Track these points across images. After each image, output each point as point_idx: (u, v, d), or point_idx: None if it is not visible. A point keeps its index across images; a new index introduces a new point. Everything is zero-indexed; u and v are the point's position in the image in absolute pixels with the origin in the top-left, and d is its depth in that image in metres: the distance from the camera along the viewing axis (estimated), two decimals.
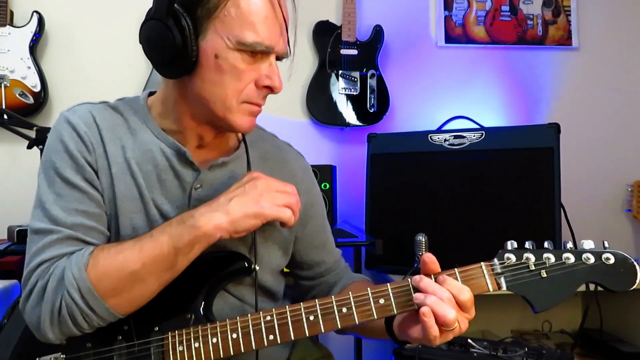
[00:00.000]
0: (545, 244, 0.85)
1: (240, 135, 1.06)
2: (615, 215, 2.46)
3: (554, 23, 2.50)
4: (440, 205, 1.92)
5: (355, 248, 1.91)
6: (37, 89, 2.12)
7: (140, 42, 0.93)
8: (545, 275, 0.83)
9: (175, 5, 0.87)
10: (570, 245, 0.85)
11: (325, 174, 1.98)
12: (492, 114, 2.44)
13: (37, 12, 2.15)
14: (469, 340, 1.49)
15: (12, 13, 2.16)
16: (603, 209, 2.44)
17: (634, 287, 0.82)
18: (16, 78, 2.10)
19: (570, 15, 2.50)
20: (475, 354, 1.44)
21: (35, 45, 2.14)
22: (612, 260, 0.83)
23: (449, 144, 1.98)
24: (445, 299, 0.81)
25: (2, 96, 2.08)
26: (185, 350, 0.90)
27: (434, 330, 0.81)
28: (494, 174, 1.89)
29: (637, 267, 0.82)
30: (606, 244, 0.85)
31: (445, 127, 2.35)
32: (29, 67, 2.12)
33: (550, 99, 2.50)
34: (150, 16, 0.90)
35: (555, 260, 0.84)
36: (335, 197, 2.01)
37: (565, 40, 2.50)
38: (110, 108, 1.02)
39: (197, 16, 0.87)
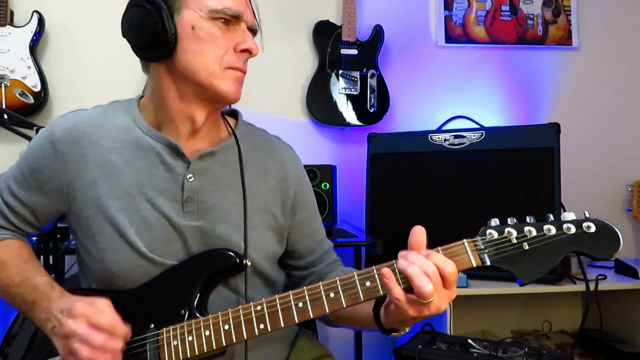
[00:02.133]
0: (527, 219, 0.85)
1: (229, 128, 1.09)
2: (615, 215, 2.46)
3: (554, 23, 2.50)
4: (441, 205, 1.93)
5: (355, 248, 1.91)
6: (37, 88, 2.12)
7: (124, 35, 1.00)
8: (527, 247, 0.83)
9: None
10: (552, 217, 0.85)
11: (325, 174, 1.98)
12: (492, 114, 2.44)
13: (37, 11, 2.15)
14: (469, 340, 1.49)
15: (12, 13, 2.16)
16: (603, 209, 2.44)
17: (616, 253, 0.83)
18: (16, 78, 2.10)
19: (570, 15, 2.50)
20: (475, 354, 1.44)
21: (36, 45, 2.14)
22: (593, 229, 0.83)
23: (449, 144, 1.98)
24: (431, 272, 0.81)
25: (2, 96, 2.08)
26: (179, 344, 0.92)
27: (396, 291, 0.82)
28: (494, 174, 1.89)
29: (619, 233, 0.83)
30: (587, 214, 0.84)
31: (445, 127, 2.35)
32: (29, 67, 2.12)
33: (550, 99, 2.50)
34: (128, 5, 0.98)
35: (537, 233, 0.83)
36: (335, 197, 2.01)
37: (565, 40, 2.50)
38: (99, 112, 1.07)
39: None
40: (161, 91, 1.01)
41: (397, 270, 0.85)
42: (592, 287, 1.78)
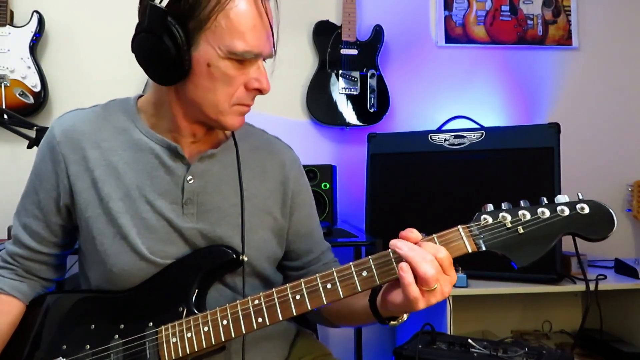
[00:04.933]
0: (521, 202, 0.85)
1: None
2: (615, 215, 2.46)
3: (554, 23, 2.50)
4: (440, 205, 1.93)
5: (355, 248, 1.91)
6: (37, 88, 2.12)
7: (133, 52, 0.96)
8: (522, 231, 0.83)
9: (169, 18, 0.89)
10: (545, 200, 0.85)
11: (325, 174, 1.98)
12: (492, 114, 2.44)
13: (37, 12, 2.15)
14: (469, 340, 1.49)
15: (12, 13, 2.16)
16: None
17: (611, 233, 0.82)
18: (16, 78, 2.10)
19: (570, 15, 2.50)
20: (475, 354, 1.44)
21: (35, 45, 2.14)
22: (586, 210, 0.83)
23: (449, 144, 1.98)
24: (428, 260, 0.81)
25: (2, 96, 2.08)
26: (178, 341, 0.92)
27: (413, 289, 0.81)
28: (494, 174, 1.89)
29: (613, 213, 0.82)
30: (580, 195, 0.84)
31: (445, 127, 2.35)
32: (29, 67, 2.12)
33: (550, 99, 2.50)
34: (143, 28, 0.92)
35: (531, 216, 0.83)
36: (335, 197, 2.01)
37: (565, 40, 2.50)
38: (98, 112, 1.06)
39: (188, 28, 0.90)
40: (168, 106, 1.00)
41: (392, 259, 0.85)
42: (592, 287, 1.78)
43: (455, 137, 1.97)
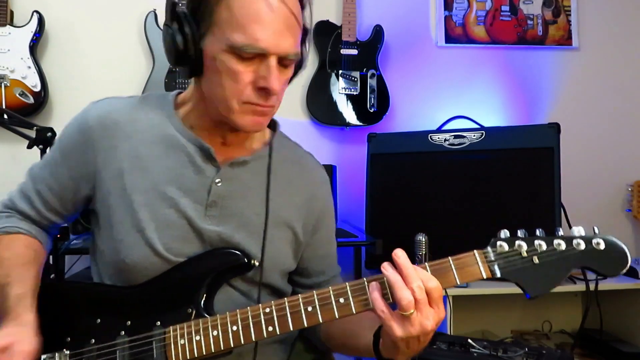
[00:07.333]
0: (537, 232, 0.86)
1: (267, 139, 1.08)
2: (615, 215, 2.46)
3: (554, 23, 2.50)
4: (440, 205, 1.93)
5: (355, 248, 1.91)
6: (37, 88, 2.12)
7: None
8: (537, 261, 0.84)
9: (178, 10, 0.91)
10: (561, 232, 0.86)
11: None
12: (492, 114, 2.44)
13: (37, 11, 2.15)
14: (469, 340, 1.49)
15: (12, 13, 2.16)
16: (603, 209, 2.44)
17: (624, 272, 0.84)
18: (16, 78, 2.10)
19: (570, 15, 2.50)
20: (475, 354, 1.44)
21: (36, 45, 2.15)
22: (602, 246, 0.83)
23: (449, 144, 1.98)
24: (415, 286, 0.80)
25: (2, 96, 2.08)
26: (186, 343, 0.91)
27: (378, 304, 0.81)
28: (494, 174, 1.89)
29: (627, 251, 0.83)
30: (596, 230, 0.85)
31: (445, 127, 2.35)
32: (29, 67, 2.12)
33: (550, 99, 2.50)
34: (165, 23, 0.96)
35: (547, 247, 0.84)
36: (335, 197, 2.01)
37: (565, 40, 2.50)
38: (135, 103, 1.05)
39: (197, 20, 0.91)
40: (197, 103, 1.01)
41: (387, 284, 0.84)
42: (592, 287, 1.78)
43: (455, 137, 1.97)
